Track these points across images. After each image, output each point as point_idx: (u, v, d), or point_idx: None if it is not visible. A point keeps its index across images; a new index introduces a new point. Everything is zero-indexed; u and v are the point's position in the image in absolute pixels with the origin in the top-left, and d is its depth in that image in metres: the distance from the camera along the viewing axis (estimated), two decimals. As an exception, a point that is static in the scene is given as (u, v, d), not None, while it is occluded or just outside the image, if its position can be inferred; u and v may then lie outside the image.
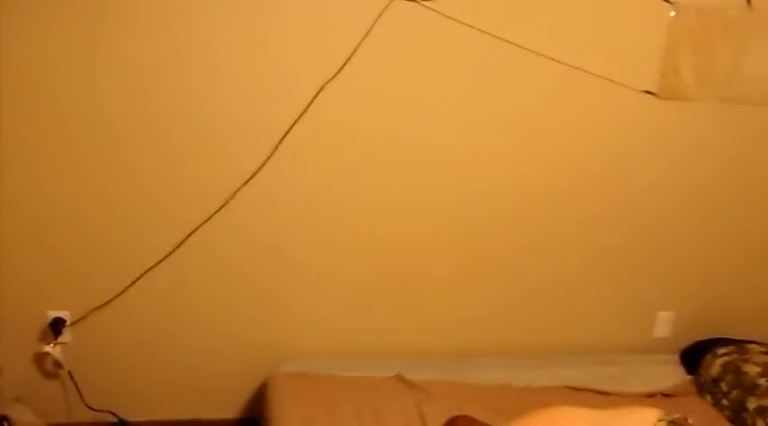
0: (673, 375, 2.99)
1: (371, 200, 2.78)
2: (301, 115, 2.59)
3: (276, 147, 2.60)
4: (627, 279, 3.13)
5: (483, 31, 2.61)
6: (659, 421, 2.15)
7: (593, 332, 3.16)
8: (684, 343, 3.18)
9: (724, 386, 2.83)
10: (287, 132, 2.60)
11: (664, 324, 3.22)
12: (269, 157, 2.61)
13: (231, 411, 2.90)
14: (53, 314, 2.64)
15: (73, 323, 2.66)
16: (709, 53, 2.84)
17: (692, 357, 3.09)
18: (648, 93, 2.86)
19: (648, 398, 2.80)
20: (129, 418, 2.79)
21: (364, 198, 2.77)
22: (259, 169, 2.62)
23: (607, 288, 3.12)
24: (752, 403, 2.69)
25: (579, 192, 2.95)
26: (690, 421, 2.15)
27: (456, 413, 2.40)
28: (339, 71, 2.57)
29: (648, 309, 3.20)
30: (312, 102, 2.58)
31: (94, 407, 2.74)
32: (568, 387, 2.80)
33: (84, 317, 2.66)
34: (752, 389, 2.73)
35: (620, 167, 2.96)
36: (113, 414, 2.78)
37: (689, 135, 2.97)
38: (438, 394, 2.65)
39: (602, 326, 3.17)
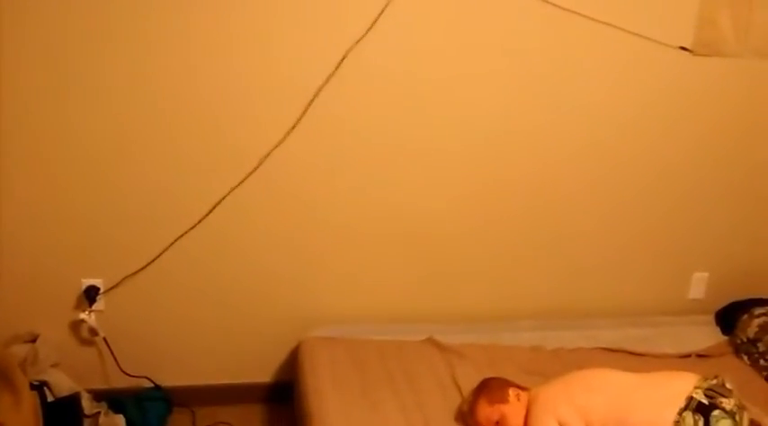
0: (708, 336, 2.96)
1: (402, 164, 2.75)
2: (329, 77, 2.57)
3: (305, 110, 2.58)
4: (662, 240, 3.09)
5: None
6: (696, 388, 2.15)
7: (626, 293, 3.13)
8: (719, 305, 3.13)
9: (761, 347, 2.78)
10: (316, 94, 2.58)
11: (698, 286, 3.18)
12: (299, 120, 2.59)
13: (264, 375, 2.93)
14: (87, 282, 2.67)
15: (106, 291, 2.69)
16: (748, 4, 2.74)
17: (728, 318, 3.04)
18: (683, 49, 2.78)
19: (683, 359, 2.78)
20: (165, 383, 2.82)
21: (394, 162, 2.74)
22: (289, 132, 2.60)
23: (641, 249, 3.08)
24: (791, 363, 2.66)
25: (612, 152, 2.90)
26: (727, 385, 2.14)
27: (488, 375, 2.42)
28: (366, 33, 2.53)
29: (683, 270, 3.17)
30: (340, 64, 2.55)
31: (130, 373, 2.78)
32: (602, 349, 2.79)
33: (117, 285, 2.69)
34: (790, 349, 2.69)
35: (654, 127, 2.90)
36: (149, 380, 2.81)
37: (726, 93, 2.91)
38: (470, 357, 2.65)
39: (636, 288, 3.13)
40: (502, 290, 3.01)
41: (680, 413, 2.08)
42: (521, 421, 2.24)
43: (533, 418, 2.21)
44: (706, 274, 3.18)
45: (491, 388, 2.31)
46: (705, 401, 2.09)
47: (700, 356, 2.82)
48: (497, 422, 2.23)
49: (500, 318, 2.97)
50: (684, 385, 2.17)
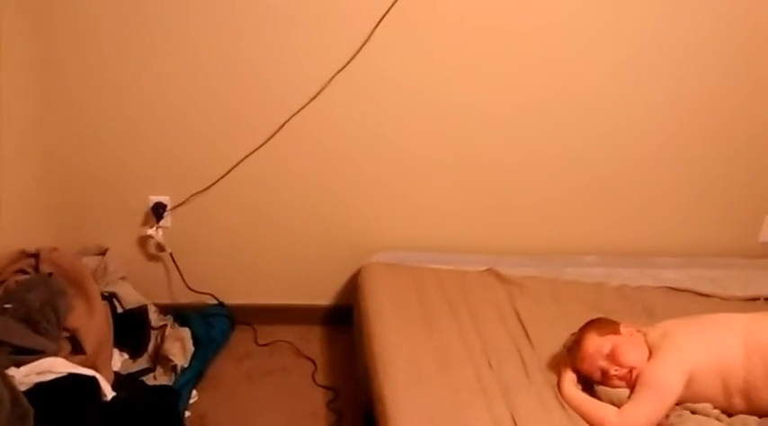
0: (777, 280, 2.87)
1: (468, 91, 2.68)
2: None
3: (372, 32, 2.52)
4: (734, 181, 2.98)
5: None
6: None
7: (695, 234, 3.05)
8: (791, 249, 3.05)
9: (833, 293, 2.70)
10: (383, 16, 2.50)
11: (771, 229, 3.09)
12: (365, 42, 2.53)
13: (324, 298, 2.97)
14: (155, 198, 2.72)
15: (173, 208, 2.73)
16: None
17: (800, 263, 2.96)
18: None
19: (750, 302, 2.70)
20: (228, 301, 2.89)
21: (461, 89, 2.67)
22: (355, 54, 2.54)
23: (713, 190, 2.98)
24: None
25: (684, 88, 2.76)
26: None
27: (552, 309, 2.38)
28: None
29: (756, 212, 3.06)
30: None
31: (195, 289, 2.85)
32: (668, 288, 2.73)
33: (183, 203, 2.73)
34: None
35: (726, 61, 2.73)
36: (213, 297, 2.88)
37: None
38: (532, 289, 2.63)
39: (706, 229, 3.05)
40: (566, 225, 2.96)
41: None
42: (637, 355, 2.08)
43: (662, 361, 2.05)
44: (780, 217, 3.08)
45: (600, 322, 2.21)
46: None
47: (768, 300, 2.75)
48: (608, 355, 2.09)
49: (563, 253, 2.93)
50: None
